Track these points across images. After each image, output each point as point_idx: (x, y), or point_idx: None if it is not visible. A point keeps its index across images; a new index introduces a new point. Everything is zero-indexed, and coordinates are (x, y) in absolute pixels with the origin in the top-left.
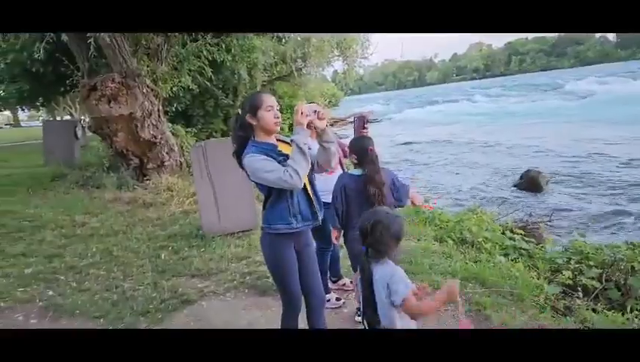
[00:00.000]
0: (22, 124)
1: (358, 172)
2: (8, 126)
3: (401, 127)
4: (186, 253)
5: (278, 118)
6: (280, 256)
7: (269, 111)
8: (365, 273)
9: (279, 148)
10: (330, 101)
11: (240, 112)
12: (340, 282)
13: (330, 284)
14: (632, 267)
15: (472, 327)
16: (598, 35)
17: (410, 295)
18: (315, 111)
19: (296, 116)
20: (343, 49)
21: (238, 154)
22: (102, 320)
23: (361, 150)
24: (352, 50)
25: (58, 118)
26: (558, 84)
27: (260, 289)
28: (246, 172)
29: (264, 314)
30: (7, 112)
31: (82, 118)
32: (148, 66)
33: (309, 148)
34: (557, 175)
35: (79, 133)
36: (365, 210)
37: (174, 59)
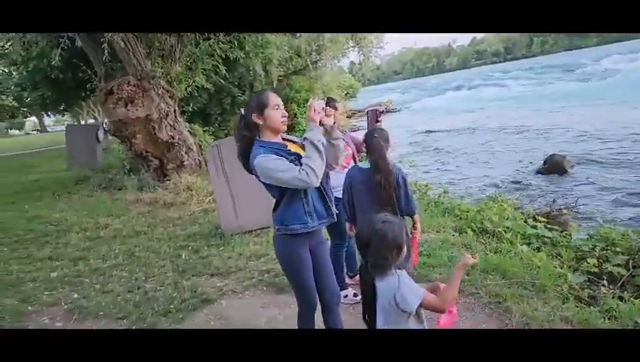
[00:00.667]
0: (48, 129)
1: (366, 164)
2: (35, 132)
3: (420, 115)
4: (206, 252)
5: (285, 116)
6: (296, 257)
7: (276, 110)
8: (367, 288)
9: (288, 148)
10: (347, 93)
11: (244, 112)
12: (357, 277)
13: (347, 280)
14: None
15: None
16: None
17: (425, 297)
18: (323, 108)
19: (309, 113)
20: (357, 40)
21: (244, 155)
22: (125, 320)
23: (368, 139)
24: (367, 40)
25: (82, 122)
26: (581, 64)
27: (278, 287)
28: (254, 173)
29: (282, 312)
30: (33, 118)
31: (104, 121)
32: (162, 68)
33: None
34: (583, 159)
35: (101, 136)
36: (374, 201)
37: (188, 59)
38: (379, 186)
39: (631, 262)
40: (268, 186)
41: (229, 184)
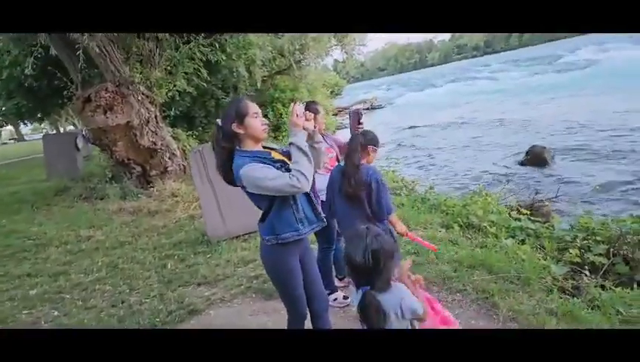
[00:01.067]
0: (25, 137)
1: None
2: (13, 141)
3: (404, 111)
4: (192, 261)
5: (265, 124)
6: (286, 267)
7: (256, 117)
8: (372, 306)
9: (272, 155)
10: (332, 90)
11: (222, 122)
12: (347, 280)
13: (336, 282)
14: (639, 240)
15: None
16: None
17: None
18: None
19: (292, 118)
20: (340, 38)
21: (224, 167)
22: None
23: (350, 140)
24: (349, 38)
25: (61, 129)
26: (558, 56)
27: (267, 293)
28: (238, 184)
29: (271, 319)
30: (9, 127)
31: (84, 129)
32: (141, 73)
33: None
34: (564, 150)
35: (80, 144)
36: (346, 202)
37: (168, 63)
38: (346, 186)
39: (611, 250)
40: (254, 196)
41: (214, 189)
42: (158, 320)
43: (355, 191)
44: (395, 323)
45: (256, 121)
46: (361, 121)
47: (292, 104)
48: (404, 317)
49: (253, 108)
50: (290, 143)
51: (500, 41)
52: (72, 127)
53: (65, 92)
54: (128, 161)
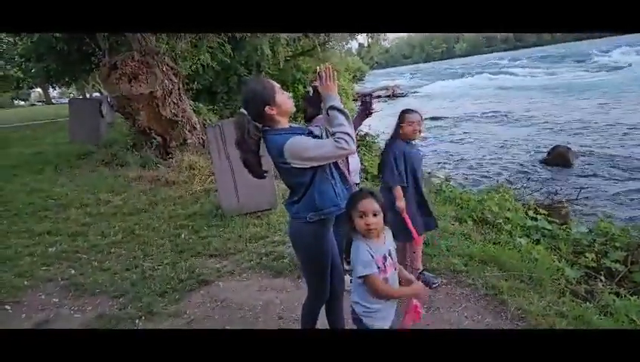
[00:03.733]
0: (53, 101)
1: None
2: (40, 103)
3: (427, 101)
4: (206, 233)
5: (290, 97)
6: (324, 246)
7: (283, 93)
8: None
9: (309, 129)
10: (355, 75)
11: (248, 110)
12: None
13: (345, 266)
14: None
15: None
16: None
17: (370, 277)
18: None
19: (326, 82)
20: None
21: (254, 160)
22: (121, 299)
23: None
24: None
25: (87, 96)
26: (593, 55)
27: (276, 270)
28: (279, 164)
29: (279, 296)
30: (38, 89)
31: (108, 95)
32: (167, 44)
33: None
34: (587, 152)
35: (105, 110)
36: None
37: (193, 36)
38: None
39: (630, 258)
40: (294, 172)
41: (231, 166)
42: (169, 286)
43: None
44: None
45: (285, 96)
46: (370, 110)
47: (322, 67)
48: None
49: (276, 84)
50: (330, 107)
51: (531, 36)
52: (97, 94)
53: (93, 58)
54: (149, 130)
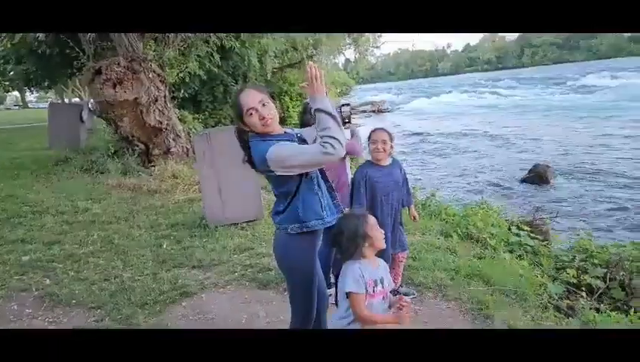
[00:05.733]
0: (29, 105)
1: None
2: (17, 107)
3: (412, 117)
4: (188, 243)
5: (264, 117)
6: (310, 260)
7: (251, 115)
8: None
9: (296, 134)
10: (341, 90)
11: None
12: None
13: (332, 279)
14: (638, 267)
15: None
16: None
17: (354, 295)
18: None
19: (315, 83)
20: (355, 37)
21: (248, 161)
22: (99, 310)
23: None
24: (364, 38)
25: (66, 100)
26: (570, 78)
27: (261, 283)
28: (261, 170)
29: (264, 308)
30: (15, 93)
31: (89, 101)
32: (154, 51)
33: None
34: (567, 171)
35: (85, 116)
36: None
37: (182, 44)
38: None
39: (608, 274)
40: (280, 180)
41: (217, 175)
42: (150, 298)
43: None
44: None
45: (253, 118)
46: (345, 119)
47: (309, 66)
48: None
49: (247, 104)
50: (317, 109)
51: (511, 58)
52: (77, 99)
53: (75, 62)
54: (132, 137)
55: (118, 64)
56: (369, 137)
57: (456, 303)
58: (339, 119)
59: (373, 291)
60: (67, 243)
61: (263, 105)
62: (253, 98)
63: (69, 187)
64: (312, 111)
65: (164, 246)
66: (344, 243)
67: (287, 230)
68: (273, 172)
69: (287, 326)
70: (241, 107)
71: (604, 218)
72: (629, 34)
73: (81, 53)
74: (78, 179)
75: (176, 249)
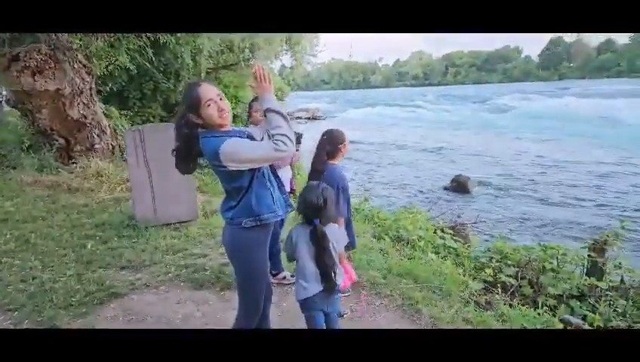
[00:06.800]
0: None
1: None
2: None
3: (344, 126)
4: (116, 244)
5: (223, 109)
6: (263, 252)
7: (210, 106)
8: (320, 233)
9: (246, 132)
10: (276, 95)
11: (182, 108)
12: (280, 276)
13: (270, 278)
14: (544, 266)
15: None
16: (523, 55)
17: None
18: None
19: (261, 82)
20: (292, 44)
21: (181, 154)
22: (17, 313)
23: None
24: (300, 45)
25: None
26: (486, 97)
27: (197, 283)
28: (216, 165)
29: (200, 309)
30: None
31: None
32: (81, 40)
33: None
34: (487, 182)
35: None
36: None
37: (112, 35)
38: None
39: (519, 273)
40: (231, 176)
41: (149, 173)
42: (74, 299)
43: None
44: (330, 247)
45: (212, 109)
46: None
47: (256, 67)
48: (337, 244)
49: (206, 95)
50: (267, 109)
51: (437, 75)
52: None
53: None
54: (51, 131)
55: (39, 51)
56: (341, 139)
57: (389, 300)
58: (288, 117)
59: None
60: None
61: (220, 98)
62: (212, 90)
63: None
64: (263, 110)
65: (89, 247)
66: (330, 209)
67: (242, 224)
68: (225, 167)
69: (226, 326)
70: (198, 98)
71: (515, 222)
72: (538, 60)
73: None
74: None
75: (102, 249)
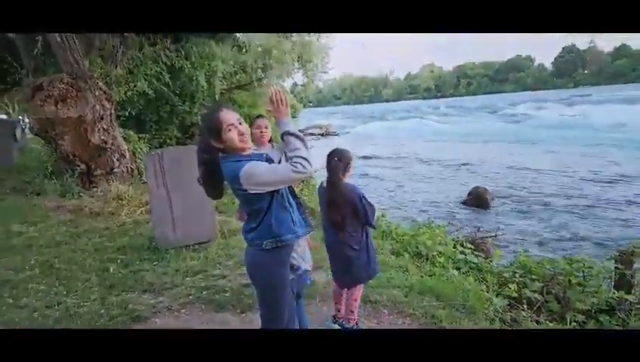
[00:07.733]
0: None
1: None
2: None
3: (358, 141)
4: (137, 267)
5: (243, 133)
6: (284, 273)
7: (230, 130)
8: None
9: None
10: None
11: (202, 134)
12: None
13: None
14: (570, 281)
15: None
16: (536, 63)
17: None
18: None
19: (279, 106)
20: (303, 62)
21: (210, 182)
22: None
23: (328, 159)
24: (312, 63)
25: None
26: (501, 107)
27: (218, 304)
28: (237, 189)
29: None
30: None
31: (21, 118)
32: (102, 68)
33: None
34: (504, 193)
35: (19, 134)
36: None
37: (130, 62)
38: (331, 203)
39: (545, 288)
40: (252, 199)
41: (168, 196)
42: (99, 324)
43: (339, 208)
44: None
45: (233, 134)
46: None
47: (273, 91)
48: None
49: (227, 120)
50: (285, 132)
51: (449, 87)
52: (4, 116)
53: (9, 77)
54: (74, 157)
55: (61, 80)
56: (348, 158)
57: (411, 319)
58: (305, 140)
59: None
60: (1, 268)
61: (240, 123)
62: (232, 115)
63: (1, 209)
64: (280, 134)
65: (111, 270)
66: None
67: (262, 246)
68: (245, 190)
69: None
70: (220, 123)
71: (537, 236)
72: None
73: (19, 68)
74: (11, 201)
75: (125, 272)
